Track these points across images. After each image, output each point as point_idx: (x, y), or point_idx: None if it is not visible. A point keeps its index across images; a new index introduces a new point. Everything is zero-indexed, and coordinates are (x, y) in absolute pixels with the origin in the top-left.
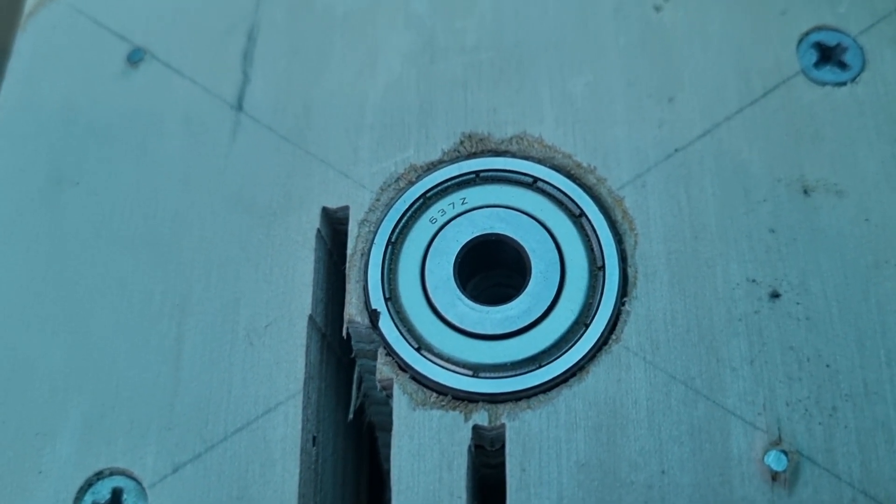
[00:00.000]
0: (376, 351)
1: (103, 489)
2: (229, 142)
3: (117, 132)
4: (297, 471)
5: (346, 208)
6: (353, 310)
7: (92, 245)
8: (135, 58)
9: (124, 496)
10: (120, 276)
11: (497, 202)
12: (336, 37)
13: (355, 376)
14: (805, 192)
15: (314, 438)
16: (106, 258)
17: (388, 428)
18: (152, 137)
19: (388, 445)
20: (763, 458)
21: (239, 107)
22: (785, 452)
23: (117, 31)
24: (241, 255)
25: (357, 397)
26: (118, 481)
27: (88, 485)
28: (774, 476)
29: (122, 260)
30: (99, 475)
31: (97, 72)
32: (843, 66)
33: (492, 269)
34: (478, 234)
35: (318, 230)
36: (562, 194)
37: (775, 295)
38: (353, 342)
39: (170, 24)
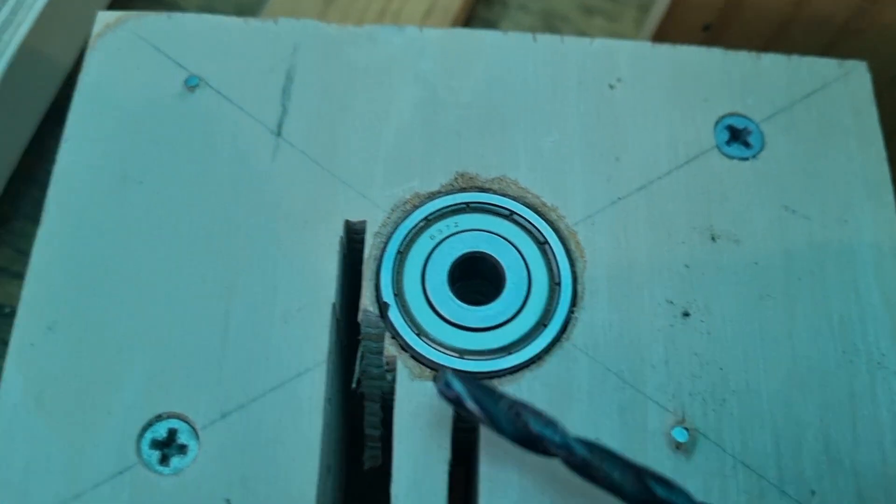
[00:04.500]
0: (380, 335)
1: (161, 429)
2: (270, 160)
3: (176, 143)
4: (321, 422)
5: (363, 222)
6: (366, 301)
7: (153, 233)
8: (191, 83)
9: (178, 435)
10: (176, 260)
11: (482, 227)
12: (358, 84)
13: (359, 354)
14: (713, 238)
15: (329, 399)
16: (164, 244)
17: (375, 399)
18: (206, 150)
19: (373, 413)
20: (670, 432)
21: (279, 133)
22: (686, 429)
23: (175, 58)
24: (278, 253)
25: (359, 370)
26: (174, 423)
27: (149, 424)
28: (678, 446)
29: (178, 247)
30: (158, 417)
31: (158, 91)
32: (747, 145)
33: (471, 279)
34: (466, 251)
35: (341, 238)
36: (531, 225)
37: (686, 314)
38: (362, 327)
39: (221, 59)
